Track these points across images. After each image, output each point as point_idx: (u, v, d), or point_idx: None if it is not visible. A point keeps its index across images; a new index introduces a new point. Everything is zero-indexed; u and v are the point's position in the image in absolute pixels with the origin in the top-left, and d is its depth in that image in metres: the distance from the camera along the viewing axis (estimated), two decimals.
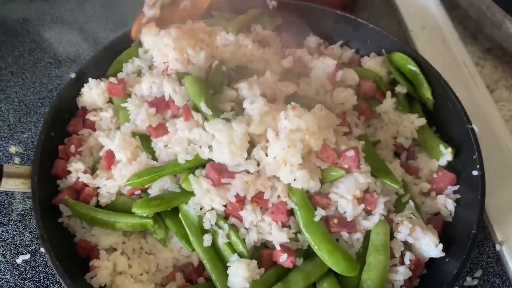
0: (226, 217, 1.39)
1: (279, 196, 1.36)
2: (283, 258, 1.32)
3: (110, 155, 1.48)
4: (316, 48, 1.91)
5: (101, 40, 2.16)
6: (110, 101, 1.68)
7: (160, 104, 1.51)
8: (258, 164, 1.38)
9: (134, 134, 1.51)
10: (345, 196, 1.36)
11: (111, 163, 1.48)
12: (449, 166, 1.58)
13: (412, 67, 1.71)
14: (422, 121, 1.65)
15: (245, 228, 1.36)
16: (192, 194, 1.38)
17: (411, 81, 1.74)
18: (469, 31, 2.20)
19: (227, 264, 1.33)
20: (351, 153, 1.37)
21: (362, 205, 1.37)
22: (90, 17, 2.27)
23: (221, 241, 1.34)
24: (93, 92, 1.63)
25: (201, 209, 1.38)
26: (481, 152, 1.48)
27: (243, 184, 1.34)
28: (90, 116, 1.63)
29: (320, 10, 1.89)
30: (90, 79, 1.66)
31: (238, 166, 1.37)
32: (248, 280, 1.28)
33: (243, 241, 1.34)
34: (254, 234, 1.35)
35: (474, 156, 1.48)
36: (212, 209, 1.37)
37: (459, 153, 1.57)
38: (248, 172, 1.37)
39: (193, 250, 1.38)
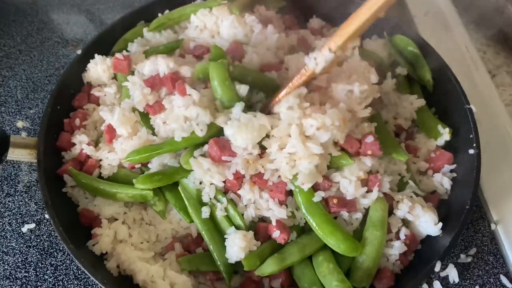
0: (225, 192, 1.42)
1: (279, 176, 1.39)
2: (276, 234, 1.35)
3: (111, 129, 1.52)
4: (319, 30, 1.93)
5: (108, 21, 2.20)
6: (114, 77, 1.71)
7: (155, 82, 1.54)
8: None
9: (134, 109, 1.54)
10: (349, 178, 1.39)
11: (113, 137, 1.52)
12: (447, 146, 1.60)
13: (413, 49, 1.72)
14: (422, 102, 1.66)
15: (243, 203, 1.40)
16: (192, 169, 1.41)
17: (412, 63, 1.75)
18: (472, 16, 2.21)
19: (225, 236, 1.37)
20: (370, 139, 1.41)
21: (365, 188, 1.39)
22: None
23: (219, 214, 1.38)
24: (98, 68, 1.67)
25: (200, 183, 1.42)
26: (479, 132, 1.50)
27: (244, 162, 1.37)
28: (95, 92, 1.67)
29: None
30: (96, 55, 1.69)
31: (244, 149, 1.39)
32: (244, 250, 1.32)
33: (241, 215, 1.38)
34: (252, 210, 1.39)
35: (471, 135, 1.49)
36: (211, 184, 1.40)
37: (457, 133, 1.58)
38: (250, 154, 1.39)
39: (191, 221, 1.41)
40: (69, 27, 2.18)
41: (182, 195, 1.40)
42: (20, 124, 1.82)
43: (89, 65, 1.69)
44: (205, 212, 1.38)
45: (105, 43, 1.76)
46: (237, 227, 1.38)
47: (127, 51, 1.76)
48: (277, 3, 1.93)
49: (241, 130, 1.36)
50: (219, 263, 1.35)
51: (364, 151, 1.43)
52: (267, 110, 1.48)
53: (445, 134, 1.58)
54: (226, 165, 1.40)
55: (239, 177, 1.38)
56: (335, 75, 1.53)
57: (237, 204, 1.41)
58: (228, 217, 1.39)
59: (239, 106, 1.41)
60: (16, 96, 1.91)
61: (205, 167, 1.37)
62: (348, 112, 1.44)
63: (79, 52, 1.69)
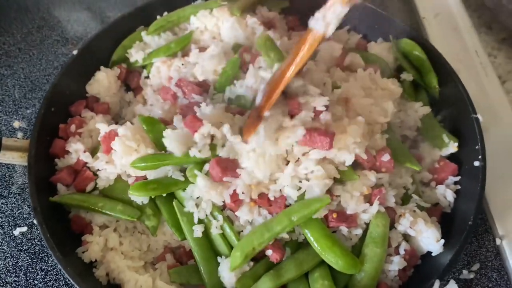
0: (223, 208, 1.37)
1: (280, 190, 1.34)
2: (269, 253, 1.31)
3: (108, 138, 1.45)
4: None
5: (109, 19, 2.16)
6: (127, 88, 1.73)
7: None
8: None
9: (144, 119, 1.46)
10: (351, 193, 1.34)
11: (110, 148, 1.45)
12: (452, 156, 1.53)
13: (419, 53, 1.66)
14: (427, 109, 1.60)
15: (240, 222, 1.35)
16: (189, 182, 1.37)
17: (418, 68, 1.69)
18: (483, 20, 2.13)
19: (219, 260, 1.34)
20: (386, 157, 1.38)
21: (367, 204, 1.34)
22: None
23: (214, 231, 1.34)
24: (104, 81, 1.65)
25: (197, 197, 1.37)
26: (486, 143, 1.44)
27: (246, 186, 1.32)
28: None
29: None
30: (102, 67, 1.68)
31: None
32: (236, 274, 1.29)
33: (237, 234, 1.33)
34: (249, 228, 1.34)
35: (477, 147, 1.43)
36: (209, 199, 1.36)
37: (462, 143, 1.52)
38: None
39: (183, 239, 1.37)
40: (70, 25, 2.15)
41: (176, 210, 1.35)
42: (16, 124, 1.80)
43: (93, 79, 1.67)
44: (197, 230, 1.33)
45: (103, 43, 1.73)
46: (232, 246, 1.33)
47: (127, 57, 1.74)
48: (280, 3, 1.88)
49: (258, 163, 1.32)
50: (207, 284, 1.31)
51: (379, 168, 1.39)
52: (257, 112, 1.39)
53: (451, 145, 1.52)
54: (226, 185, 1.34)
55: (237, 200, 1.33)
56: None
57: (233, 222, 1.36)
58: (223, 235, 1.34)
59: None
60: (14, 95, 1.89)
61: (208, 185, 1.32)
62: (367, 125, 1.40)
63: (75, 52, 1.66)
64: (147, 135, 1.44)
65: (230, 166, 1.34)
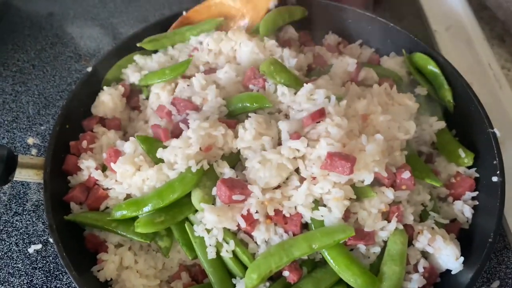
0: (237, 230, 1.35)
1: (295, 207, 1.33)
2: (286, 274, 1.30)
3: (109, 159, 1.45)
4: (335, 46, 1.87)
5: (121, 35, 2.18)
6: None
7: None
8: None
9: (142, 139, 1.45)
10: (369, 210, 1.33)
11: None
12: (468, 171, 1.52)
13: (433, 67, 1.65)
14: (442, 124, 1.59)
15: (255, 243, 1.33)
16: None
17: (432, 82, 1.68)
18: (496, 32, 2.12)
19: (233, 281, 1.32)
20: (407, 174, 1.37)
21: (385, 222, 1.33)
22: (112, 12, 2.31)
23: (225, 255, 1.31)
24: (109, 102, 1.63)
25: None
26: (503, 158, 1.42)
27: (259, 204, 1.30)
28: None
29: (339, 8, 1.85)
30: (105, 87, 1.66)
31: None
32: None
33: (251, 256, 1.30)
34: (264, 246, 1.32)
35: (495, 162, 1.41)
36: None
37: (479, 158, 1.50)
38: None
39: (194, 258, 1.35)
40: (83, 41, 2.18)
41: (189, 232, 1.33)
42: (30, 141, 1.81)
43: (97, 100, 1.65)
44: (211, 252, 1.30)
45: (116, 60, 1.73)
46: (247, 267, 1.31)
47: (120, 77, 1.73)
48: (300, 12, 1.85)
49: (265, 166, 1.31)
50: None
51: (399, 185, 1.38)
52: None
53: (467, 159, 1.51)
54: (238, 207, 1.32)
55: (252, 221, 1.30)
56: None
57: (247, 244, 1.33)
58: (236, 258, 1.32)
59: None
60: (28, 112, 1.90)
61: (215, 218, 1.29)
62: (386, 142, 1.38)
63: (89, 69, 1.67)
64: (148, 154, 1.44)
65: (237, 184, 1.32)
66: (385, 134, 1.40)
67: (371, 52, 1.85)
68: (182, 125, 1.43)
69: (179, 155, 1.36)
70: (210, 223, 1.31)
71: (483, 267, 1.24)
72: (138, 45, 1.72)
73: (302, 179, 1.34)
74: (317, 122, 1.37)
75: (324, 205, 1.32)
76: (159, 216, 1.33)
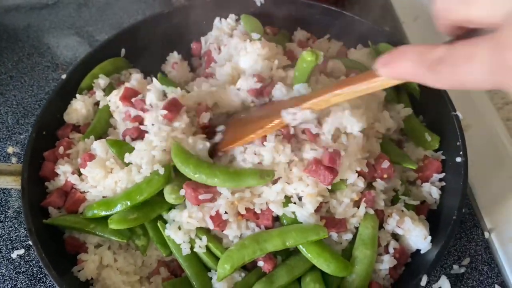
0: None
1: (266, 203, 1.36)
2: (260, 264, 1.33)
3: (87, 159, 1.48)
4: (305, 42, 1.92)
5: (97, 42, 2.20)
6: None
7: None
8: None
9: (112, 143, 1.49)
10: (341, 200, 1.37)
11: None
12: (435, 154, 1.57)
13: None
14: (409, 111, 1.64)
15: (229, 239, 1.36)
16: (170, 204, 1.39)
17: None
18: None
19: (209, 274, 1.35)
20: (386, 164, 1.41)
21: (356, 209, 1.37)
22: (87, 21, 2.34)
23: (198, 250, 1.35)
24: (82, 110, 1.66)
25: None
26: (470, 139, 1.47)
27: (228, 204, 1.33)
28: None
29: (307, 5, 1.90)
30: (77, 95, 1.68)
31: None
32: (229, 285, 1.31)
33: (224, 251, 1.32)
34: (238, 240, 1.35)
35: (458, 143, 1.46)
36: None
37: (444, 140, 1.55)
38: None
39: (169, 254, 1.39)
40: (59, 50, 2.21)
41: (162, 231, 1.37)
42: (10, 150, 1.84)
43: (71, 107, 1.67)
44: (185, 248, 1.34)
45: (90, 66, 1.77)
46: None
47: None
48: None
49: None
50: None
51: (381, 176, 1.42)
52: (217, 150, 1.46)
53: (433, 142, 1.56)
54: (208, 207, 1.35)
55: (221, 222, 1.33)
56: None
57: (221, 239, 1.37)
58: (210, 252, 1.36)
59: None
60: (7, 122, 1.93)
61: (185, 215, 1.33)
62: (365, 138, 1.42)
63: (63, 77, 1.70)
64: (118, 157, 1.47)
65: (201, 185, 1.34)
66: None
67: (339, 45, 1.90)
68: (144, 127, 1.48)
69: (144, 159, 1.40)
70: (182, 223, 1.34)
71: (447, 243, 1.28)
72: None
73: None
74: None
75: (295, 202, 1.35)
76: (132, 214, 1.36)
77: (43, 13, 2.40)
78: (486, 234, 1.53)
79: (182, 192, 1.35)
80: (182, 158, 1.37)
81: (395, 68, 0.94)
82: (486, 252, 1.51)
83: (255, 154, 1.37)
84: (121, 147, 1.47)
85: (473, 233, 1.55)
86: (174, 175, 1.41)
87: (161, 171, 1.37)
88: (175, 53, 1.92)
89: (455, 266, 1.48)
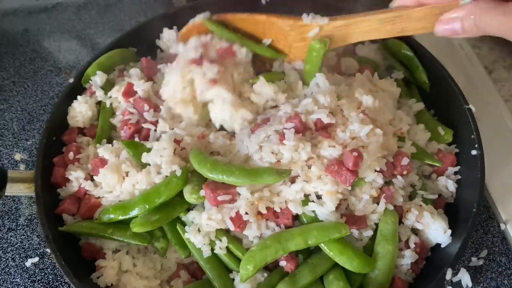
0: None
1: (285, 202, 1.35)
2: (283, 264, 1.33)
3: (99, 165, 1.47)
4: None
5: (99, 45, 2.19)
6: None
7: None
8: None
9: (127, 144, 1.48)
10: (360, 196, 1.36)
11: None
12: (449, 148, 1.57)
13: (407, 51, 1.70)
14: (420, 105, 1.65)
15: (249, 240, 1.36)
16: (189, 204, 1.38)
17: (407, 65, 1.73)
18: None
19: (231, 276, 1.35)
20: (405, 161, 1.42)
21: (376, 205, 1.37)
22: (87, 24, 2.31)
23: (218, 251, 1.34)
24: (87, 112, 1.63)
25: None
26: (480, 132, 1.48)
27: (248, 205, 1.32)
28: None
29: (311, 3, 1.89)
30: (78, 96, 1.65)
31: None
32: (252, 286, 1.30)
33: (245, 251, 1.32)
34: (257, 241, 1.34)
35: (473, 136, 1.47)
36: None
37: (457, 134, 1.56)
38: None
39: (187, 256, 1.38)
40: (61, 54, 2.18)
41: (182, 234, 1.36)
42: (17, 156, 1.81)
43: (74, 110, 1.63)
44: (206, 251, 1.33)
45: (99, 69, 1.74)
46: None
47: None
48: None
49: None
50: None
51: (400, 172, 1.42)
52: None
53: (446, 136, 1.56)
54: (228, 207, 1.35)
55: (241, 223, 1.32)
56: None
57: (241, 240, 1.36)
58: (230, 254, 1.35)
59: None
60: (13, 129, 1.90)
61: (204, 217, 1.33)
62: (383, 136, 1.42)
63: (71, 80, 1.68)
64: (134, 159, 1.46)
65: (219, 185, 1.34)
66: (380, 122, 1.45)
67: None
68: (146, 125, 1.49)
69: (164, 158, 1.39)
70: (201, 225, 1.34)
71: (469, 236, 1.29)
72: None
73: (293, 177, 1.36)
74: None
75: (313, 201, 1.34)
76: (154, 215, 1.35)
77: (42, 16, 2.36)
78: (502, 226, 1.54)
79: (202, 192, 1.34)
80: (199, 158, 1.36)
81: None
82: (503, 243, 1.52)
83: (272, 153, 1.37)
84: (137, 148, 1.46)
85: (489, 225, 1.56)
86: (190, 175, 1.40)
87: (178, 172, 1.36)
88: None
89: (474, 259, 1.49)
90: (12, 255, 1.57)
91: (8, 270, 1.54)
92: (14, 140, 1.87)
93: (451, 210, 1.45)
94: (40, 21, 2.34)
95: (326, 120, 1.38)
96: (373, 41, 1.83)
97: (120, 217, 1.38)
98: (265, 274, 1.33)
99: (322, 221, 1.33)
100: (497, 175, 1.62)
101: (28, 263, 1.55)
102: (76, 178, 1.50)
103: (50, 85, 2.05)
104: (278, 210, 1.34)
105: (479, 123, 1.50)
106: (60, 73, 2.09)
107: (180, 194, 1.38)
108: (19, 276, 1.53)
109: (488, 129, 1.66)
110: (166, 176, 1.40)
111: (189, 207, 1.41)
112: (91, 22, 2.32)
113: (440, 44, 2.00)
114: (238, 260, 1.33)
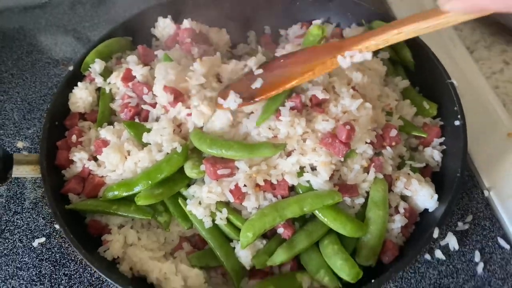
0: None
1: (282, 174, 1.42)
2: (280, 231, 1.40)
3: (101, 146, 1.53)
4: (302, 35, 1.98)
5: (95, 38, 2.23)
6: None
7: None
8: None
9: (128, 125, 1.55)
10: (351, 167, 1.44)
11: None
12: (434, 121, 1.66)
13: None
14: (406, 83, 1.74)
15: (248, 211, 1.43)
16: (189, 179, 1.46)
17: (392, 46, 1.80)
18: None
19: (231, 245, 1.42)
20: (394, 132, 1.50)
21: (366, 174, 1.45)
22: (82, 17, 2.36)
23: (219, 222, 1.41)
24: (88, 97, 1.70)
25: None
26: (463, 107, 1.56)
27: (247, 178, 1.39)
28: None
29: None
30: (79, 83, 1.72)
31: None
32: (252, 253, 1.38)
33: (244, 221, 1.38)
34: (255, 211, 1.41)
35: (455, 108, 1.56)
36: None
37: (441, 107, 1.65)
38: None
39: (189, 227, 1.46)
40: (58, 47, 2.23)
41: (183, 207, 1.43)
42: (20, 144, 1.86)
43: (75, 96, 1.70)
44: (207, 222, 1.40)
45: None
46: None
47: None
48: None
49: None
50: (227, 268, 1.39)
51: (389, 143, 1.51)
52: (249, 92, 1.47)
53: (431, 110, 1.65)
54: (227, 181, 1.42)
55: (240, 195, 1.39)
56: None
57: (240, 211, 1.43)
58: (230, 224, 1.42)
59: None
60: (14, 118, 1.95)
61: (205, 190, 1.39)
62: (372, 109, 1.49)
63: (71, 68, 1.74)
64: (135, 139, 1.53)
65: (219, 160, 1.41)
66: (369, 97, 1.53)
67: (332, 27, 1.97)
68: (146, 107, 1.56)
69: (164, 137, 1.46)
70: (202, 198, 1.41)
71: (454, 198, 1.38)
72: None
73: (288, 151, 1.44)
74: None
75: (309, 171, 1.42)
76: (157, 189, 1.42)
77: (37, 12, 2.41)
78: (486, 193, 1.63)
79: (203, 167, 1.41)
80: (199, 136, 1.43)
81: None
82: (487, 209, 1.61)
83: (269, 128, 1.44)
84: (138, 128, 1.53)
85: (473, 192, 1.65)
86: (189, 152, 1.47)
87: (179, 149, 1.43)
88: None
89: (460, 223, 1.57)
90: (20, 236, 1.63)
91: (16, 251, 1.59)
92: (16, 129, 1.92)
93: (438, 179, 1.54)
94: (35, 16, 2.38)
95: (320, 96, 1.46)
96: (358, 24, 1.91)
97: (124, 194, 1.45)
98: (264, 241, 1.41)
99: (316, 190, 1.41)
100: (479, 146, 1.71)
101: (35, 243, 1.60)
102: (79, 159, 1.57)
103: (49, 76, 2.10)
104: (275, 182, 1.42)
105: (462, 99, 1.58)
106: (58, 65, 2.14)
107: (181, 170, 1.45)
108: (27, 255, 1.58)
109: (470, 105, 1.74)
110: (167, 153, 1.47)
111: (190, 183, 1.48)
112: (86, 16, 2.37)
113: None
114: (238, 230, 1.40)
